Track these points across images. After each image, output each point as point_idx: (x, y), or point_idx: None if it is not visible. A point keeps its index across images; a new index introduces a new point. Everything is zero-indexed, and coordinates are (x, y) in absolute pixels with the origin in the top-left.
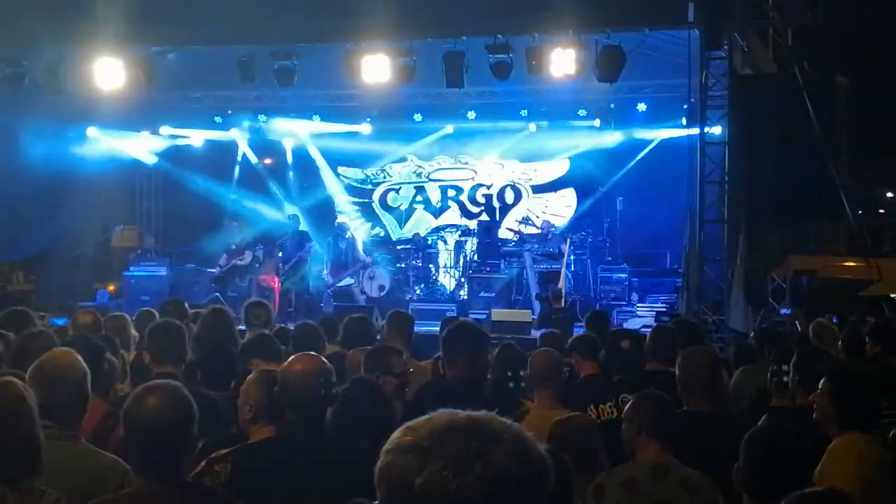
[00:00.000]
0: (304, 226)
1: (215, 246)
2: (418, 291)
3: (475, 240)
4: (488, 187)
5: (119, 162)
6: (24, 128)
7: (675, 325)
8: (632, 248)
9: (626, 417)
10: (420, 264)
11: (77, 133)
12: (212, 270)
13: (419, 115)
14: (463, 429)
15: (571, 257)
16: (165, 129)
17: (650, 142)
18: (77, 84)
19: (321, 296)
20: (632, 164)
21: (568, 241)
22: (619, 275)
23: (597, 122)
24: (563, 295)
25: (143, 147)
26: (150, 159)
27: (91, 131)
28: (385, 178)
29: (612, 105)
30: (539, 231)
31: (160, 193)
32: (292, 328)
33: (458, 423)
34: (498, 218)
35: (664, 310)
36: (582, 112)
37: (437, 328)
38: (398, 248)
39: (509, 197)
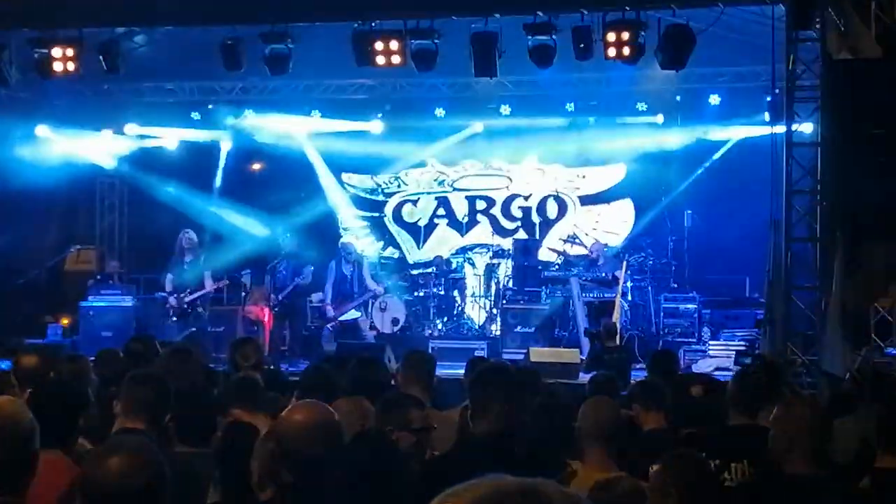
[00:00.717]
0: (299, 246)
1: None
2: (440, 326)
3: (510, 262)
4: (526, 198)
5: (75, 168)
6: None
7: (762, 367)
8: (703, 272)
9: (654, 486)
10: (442, 293)
11: (23, 133)
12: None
13: (441, 109)
14: (514, 497)
15: (628, 284)
16: (132, 128)
17: (725, 142)
18: (23, 74)
19: (321, 332)
20: (702, 169)
21: (624, 264)
22: (688, 305)
23: (659, 119)
24: (619, 330)
25: (105, 150)
26: (113, 164)
27: (41, 130)
28: (400, 187)
29: (678, 97)
30: (588, 252)
31: (125, 206)
32: (287, 370)
33: (506, 490)
34: (538, 236)
35: (743, 348)
36: (641, 106)
37: (463, 371)
38: (416, 272)
39: (552, 210)
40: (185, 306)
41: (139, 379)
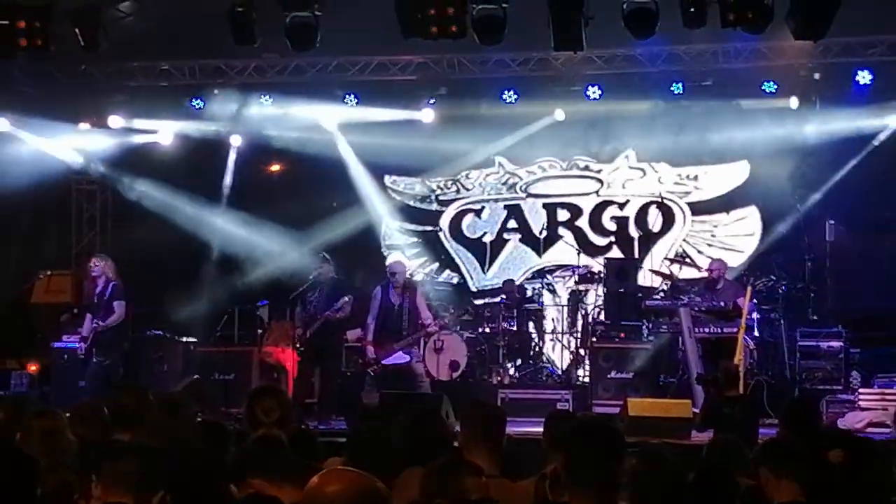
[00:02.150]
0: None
1: (193, 303)
2: (512, 371)
3: (601, 289)
4: (621, 206)
5: (45, 171)
6: None
7: None
8: (851, 300)
9: None
10: (514, 328)
11: None
12: (189, 340)
13: (511, 93)
14: None
15: (754, 316)
16: (116, 121)
17: (878, 131)
18: None
19: (361, 379)
20: (849, 166)
21: (748, 290)
22: (831, 343)
23: (793, 102)
24: (742, 376)
25: (82, 148)
26: (93, 167)
27: (1, 124)
28: (459, 192)
29: (815, 75)
30: (703, 274)
31: (108, 220)
32: (316, 429)
33: None
34: (637, 254)
35: None
36: (768, 86)
37: (542, 429)
38: (480, 302)
39: (655, 221)
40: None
41: (120, 450)
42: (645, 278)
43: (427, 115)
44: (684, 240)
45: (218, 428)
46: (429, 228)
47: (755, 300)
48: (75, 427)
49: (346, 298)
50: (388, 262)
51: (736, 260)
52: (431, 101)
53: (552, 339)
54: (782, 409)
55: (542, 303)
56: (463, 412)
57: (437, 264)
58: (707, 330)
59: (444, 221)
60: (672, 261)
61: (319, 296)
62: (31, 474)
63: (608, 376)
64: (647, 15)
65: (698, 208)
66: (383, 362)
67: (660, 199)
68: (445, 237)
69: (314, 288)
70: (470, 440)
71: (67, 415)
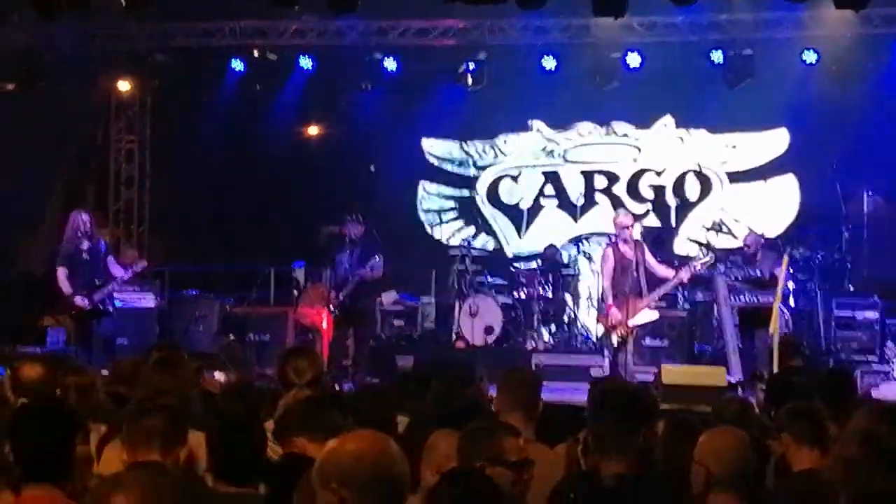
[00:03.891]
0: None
1: (235, 261)
2: (547, 337)
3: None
4: (659, 174)
5: (79, 114)
6: None
7: None
8: (888, 270)
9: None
10: (550, 294)
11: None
12: (225, 300)
13: (551, 58)
14: None
15: (790, 285)
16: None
17: None
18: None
19: (394, 342)
20: (888, 138)
21: (785, 259)
22: (867, 313)
23: (834, 72)
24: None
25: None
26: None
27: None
28: (496, 157)
29: (858, 46)
30: (742, 245)
31: (148, 172)
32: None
33: None
34: (674, 223)
35: None
36: (809, 56)
37: (575, 396)
38: (516, 267)
39: (692, 189)
40: (98, 307)
41: (143, 409)
42: (682, 247)
43: (465, 79)
44: (722, 209)
45: (252, 388)
46: (465, 193)
47: (791, 270)
48: (111, 385)
49: (377, 258)
50: (617, 218)
51: (773, 229)
52: (471, 66)
53: (587, 306)
54: (820, 379)
55: (578, 269)
56: (500, 377)
57: (472, 228)
58: (743, 298)
59: (481, 186)
60: (709, 230)
61: (351, 256)
62: (74, 426)
63: (643, 343)
64: None
65: (736, 177)
66: (630, 323)
67: (697, 168)
68: (482, 202)
69: (345, 249)
70: (506, 404)
71: (104, 372)
